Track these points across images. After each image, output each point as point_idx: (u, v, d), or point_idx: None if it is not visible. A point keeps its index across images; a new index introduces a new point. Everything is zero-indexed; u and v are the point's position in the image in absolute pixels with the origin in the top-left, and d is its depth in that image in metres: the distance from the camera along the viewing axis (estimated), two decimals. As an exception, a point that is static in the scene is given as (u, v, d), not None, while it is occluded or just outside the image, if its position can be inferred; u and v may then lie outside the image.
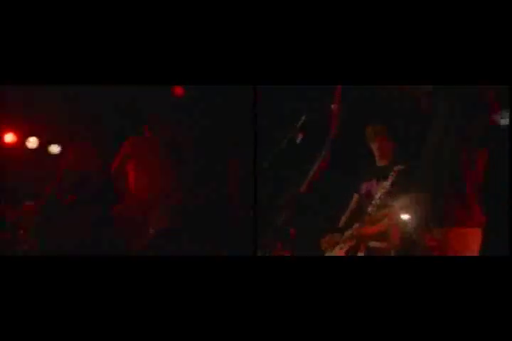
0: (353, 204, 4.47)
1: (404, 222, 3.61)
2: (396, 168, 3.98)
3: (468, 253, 3.35)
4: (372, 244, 4.05)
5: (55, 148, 5.40)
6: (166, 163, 5.12)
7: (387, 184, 3.97)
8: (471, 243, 3.39)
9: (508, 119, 3.33)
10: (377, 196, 4.02)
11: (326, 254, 4.25)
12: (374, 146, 4.32)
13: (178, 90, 5.08)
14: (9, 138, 5.27)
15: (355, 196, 4.45)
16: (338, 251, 4.17)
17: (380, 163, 4.32)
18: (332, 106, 3.94)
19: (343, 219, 4.41)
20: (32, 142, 5.32)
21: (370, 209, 4.05)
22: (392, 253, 3.93)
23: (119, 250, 4.81)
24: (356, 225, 4.11)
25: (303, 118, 3.79)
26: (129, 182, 5.12)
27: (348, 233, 4.16)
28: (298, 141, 3.78)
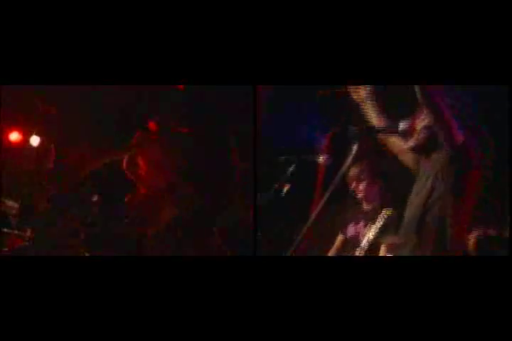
0: (338, 244, 4.36)
1: None
2: (384, 212, 3.87)
3: None
4: None
5: (35, 140, 5.36)
6: (166, 162, 5.13)
7: (375, 228, 3.87)
8: None
9: None
10: (365, 240, 3.93)
11: None
12: (357, 189, 4.19)
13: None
14: (13, 136, 5.31)
15: (341, 237, 4.34)
16: None
17: (367, 206, 4.22)
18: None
19: None
20: (35, 140, 5.33)
21: (357, 253, 3.95)
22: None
23: (130, 249, 4.80)
24: None
25: (290, 169, 3.71)
26: (138, 177, 5.14)
27: None
28: (285, 190, 3.73)
